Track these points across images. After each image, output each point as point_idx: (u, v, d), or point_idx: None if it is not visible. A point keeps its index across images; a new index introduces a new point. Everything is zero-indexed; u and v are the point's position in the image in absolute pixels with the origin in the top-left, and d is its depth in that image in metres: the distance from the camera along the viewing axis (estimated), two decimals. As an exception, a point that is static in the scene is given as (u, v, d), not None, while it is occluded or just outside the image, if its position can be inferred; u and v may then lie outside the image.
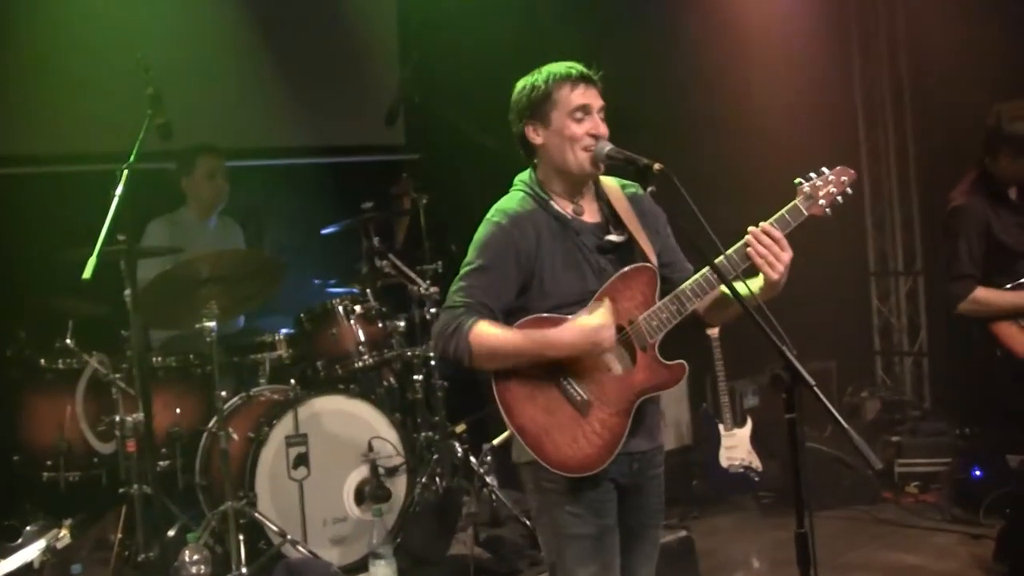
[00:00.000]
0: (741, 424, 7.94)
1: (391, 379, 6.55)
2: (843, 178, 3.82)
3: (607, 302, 3.72)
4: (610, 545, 3.85)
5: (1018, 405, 6.30)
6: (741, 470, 7.84)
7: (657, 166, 3.59)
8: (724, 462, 7.85)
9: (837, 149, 10.33)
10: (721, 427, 7.85)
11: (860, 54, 10.42)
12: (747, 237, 3.70)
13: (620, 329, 3.74)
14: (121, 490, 5.59)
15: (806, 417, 8.10)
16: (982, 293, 5.83)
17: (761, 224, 3.71)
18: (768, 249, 3.66)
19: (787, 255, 3.68)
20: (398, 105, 6.90)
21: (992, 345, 5.94)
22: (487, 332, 3.65)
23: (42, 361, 6.00)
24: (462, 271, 3.80)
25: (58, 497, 5.93)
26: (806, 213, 3.77)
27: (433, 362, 6.37)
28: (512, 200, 3.87)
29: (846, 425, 3.36)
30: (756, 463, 7.88)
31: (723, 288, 3.75)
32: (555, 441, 3.70)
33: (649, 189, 3.65)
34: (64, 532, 5.07)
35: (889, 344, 10.66)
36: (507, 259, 3.74)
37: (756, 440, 7.99)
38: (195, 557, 5.01)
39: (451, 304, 3.75)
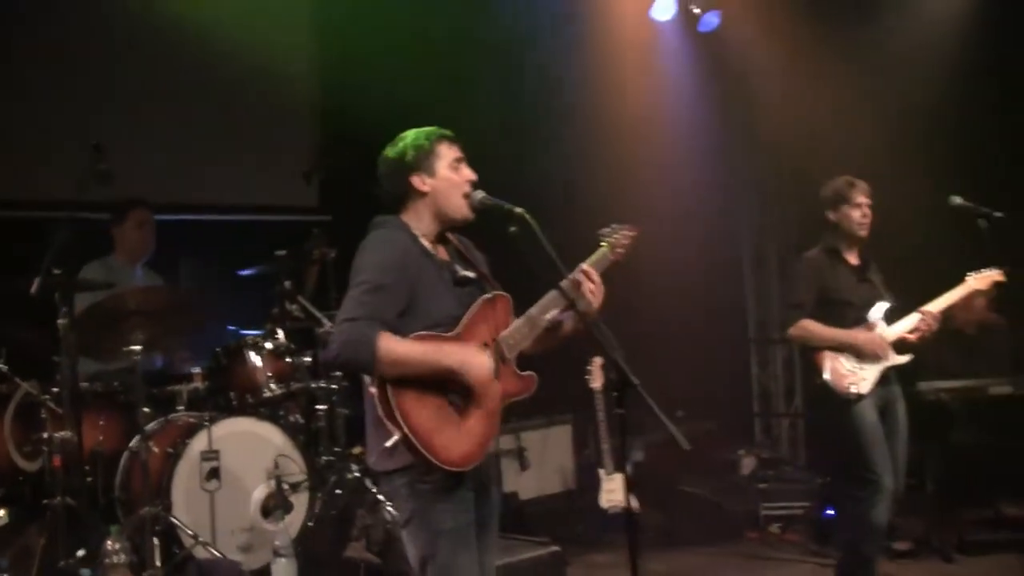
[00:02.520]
0: (621, 469, 8.34)
1: (297, 409, 7.02)
2: (632, 234, 4.75)
3: (489, 352, 4.37)
4: (473, 536, 4.40)
5: (827, 425, 7.14)
6: (619, 511, 8.27)
7: (519, 210, 4.29)
8: (604, 503, 8.31)
9: (721, 227, 11.17)
10: (602, 471, 8.32)
11: (747, 148, 11.20)
12: (577, 274, 4.46)
13: (485, 345, 4.39)
14: (45, 501, 5.93)
15: (681, 467, 8.87)
16: (809, 323, 6.59)
17: (583, 265, 4.50)
18: (594, 284, 4.47)
19: (601, 290, 4.48)
20: (315, 168, 7.60)
21: (813, 372, 6.65)
22: (393, 342, 4.15)
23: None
24: (358, 288, 4.25)
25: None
26: (611, 258, 4.65)
27: (335, 397, 6.94)
28: (394, 234, 4.43)
29: (661, 415, 4.09)
30: (634, 505, 8.45)
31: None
32: (442, 440, 4.19)
33: (512, 229, 4.28)
34: (3, 512, 5.61)
35: (767, 406, 11.38)
36: (399, 281, 4.28)
37: (635, 487, 8.38)
38: (116, 547, 5.39)
39: (352, 317, 4.17)
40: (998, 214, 6.18)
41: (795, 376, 11.13)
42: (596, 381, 8.27)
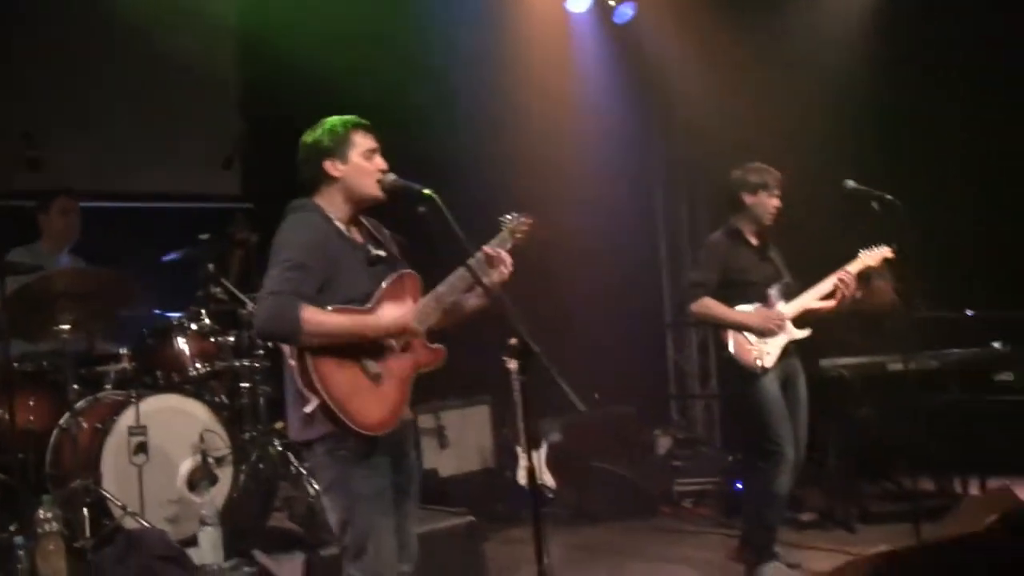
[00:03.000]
0: (536, 447, 8.68)
1: (221, 388, 7.19)
2: (529, 221, 5.09)
3: (410, 303, 4.72)
4: (389, 500, 4.70)
5: (733, 399, 7.45)
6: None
7: (427, 191, 4.59)
8: (521, 481, 8.54)
9: (637, 215, 11.46)
10: (519, 449, 8.55)
11: (661, 137, 11.57)
12: (484, 251, 4.79)
13: None
14: None
15: (598, 447, 9.12)
16: (709, 301, 6.88)
17: (486, 247, 4.83)
18: (500, 261, 4.79)
19: (508, 267, 4.82)
20: (234, 153, 7.78)
21: (721, 347, 6.99)
22: (316, 313, 4.44)
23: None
24: (281, 265, 4.53)
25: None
26: (510, 242, 4.97)
27: (258, 376, 7.08)
28: (310, 216, 4.73)
29: (561, 381, 4.35)
30: (549, 481, 8.58)
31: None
32: (357, 406, 4.50)
33: (421, 209, 4.56)
34: None
35: (683, 388, 11.70)
36: (318, 260, 4.58)
37: (552, 465, 8.75)
38: (48, 515, 5.53)
39: (278, 291, 4.45)
40: (889, 197, 6.45)
41: (710, 359, 11.44)
42: (512, 362, 8.46)
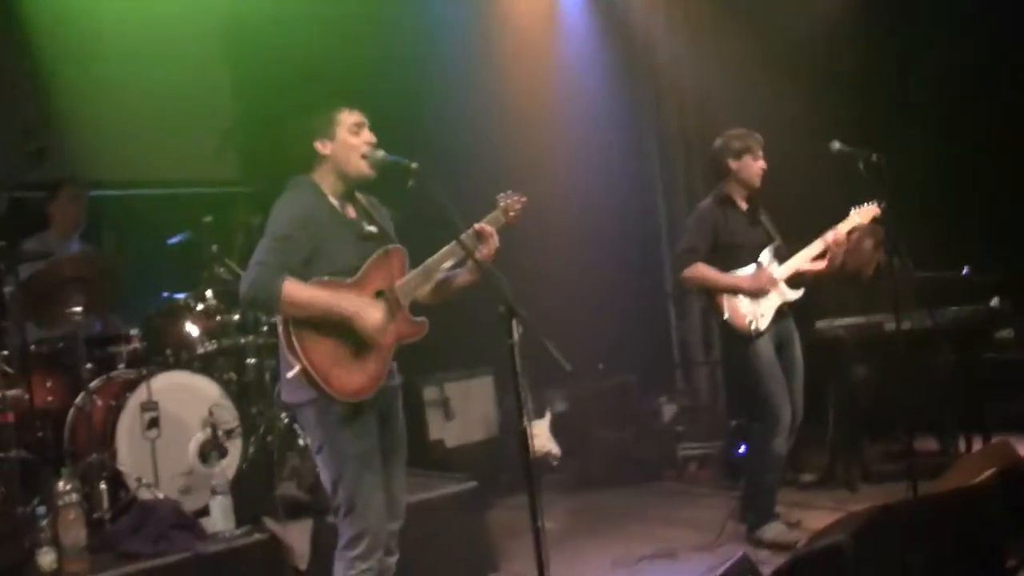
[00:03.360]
0: (540, 416, 8.89)
1: (228, 364, 7.41)
2: (522, 199, 5.29)
3: (383, 303, 4.91)
4: (377, 460, 4.97)
5: (730, 363, 7.58)
6: (541, 455, 8.73)
7: (415, 165, 4.78)
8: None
9: (635, 187, 11.58)
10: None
11: (654, 108, 11.67)
12: (475, 227, 5.01)
13: (380, 293, 4.95)
14: (1, 455, 6.20)
15: (603, 417, 9.27)
16: (701, 267, 7.03)
17: (478, 224, 5.05)
18: (486, 236, 5.01)
19: (495, 242, 5.02)
20: (227, 139, 7.97)
21: (715, 313, 7.14)
22: (295, 285, 4.69)
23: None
24: (268, 237, 4.81)
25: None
26: (503, 220, 5.18)
27: (263, 352, 7.32)
28: (302, 192, 4.98)
29: (547, 343, 4.44)
30: (555, 449, 8.81)
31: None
32: (337, 373, 4.76)
33: (410, 183, 4.76)
34: None
35: (686, 356, 11.81)
36: (305, 233, 4.83)
37: (556, 432, 8.96)
38: (68, 487, 5.70)
39: (264, 262, 4.71)
40: (874, 157, 6.55)
41: (712, 327, 11.43)
42: (514, 333, 8.61)
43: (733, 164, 7.14)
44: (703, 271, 7.03)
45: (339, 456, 4.89)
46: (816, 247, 7.10)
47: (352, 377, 4.82)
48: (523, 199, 5.28)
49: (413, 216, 5.18)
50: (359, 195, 5.16)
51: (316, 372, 4.72)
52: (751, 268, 7.07)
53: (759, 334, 6.96)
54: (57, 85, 8.28)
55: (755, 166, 7.13)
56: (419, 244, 5.19)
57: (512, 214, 5.23)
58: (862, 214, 7.14)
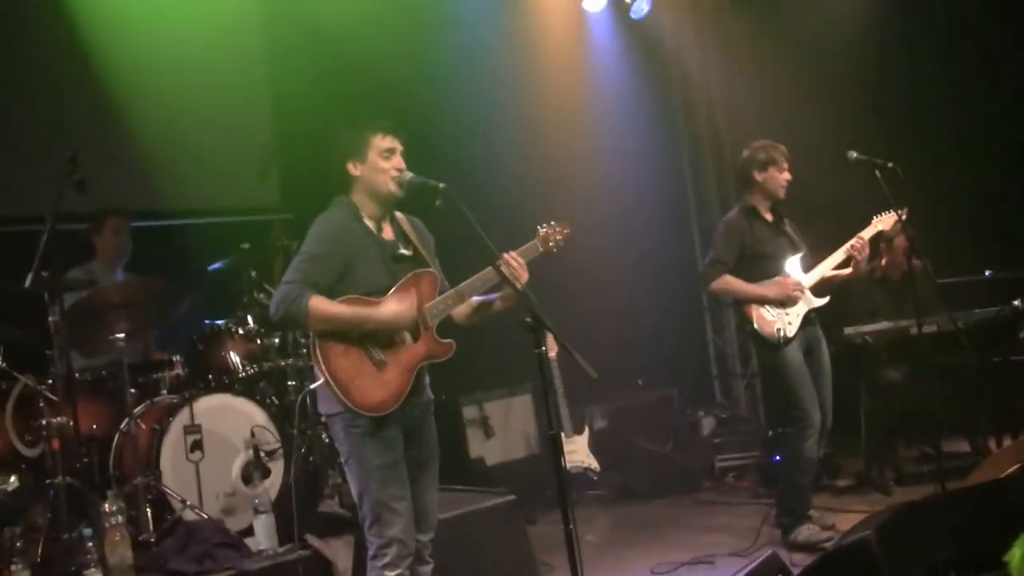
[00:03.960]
0: (580, 432, 8.98)
1: (270, 387, 7.51)
2: (566, 230, 5.35)
3: (413, 296, 5.08)
4: (403, 472, 5.14)
5: (764, 372, 7.67)
6: (580, 470, 8.85)
7: (442, 185, 4.91)
8: (566, 465, 8.77)
9: (669, 199, 11.68)
10: (563, 435, 8.79)
11: (685, 121, 11.76)
12: (504, 257, 5.05)
13: None
14: (48, 481, 6.36)
15: (643, 431, 9.37)
16: (729, 278, 7.19)
17: (510, 252, 5.11)
18: (514, 269, 5.06)
19: (525, 276, 5.08)
20: (268, 165, 8.14)
21: (745, 323, 7.30)
22: (322, 302, 4.90)
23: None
24: (300, 256, 5.04)
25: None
26: (541, 249, 5.27)
27: (303, 373, 7.37)
28: (336, 212, 5.18)
29: (574, 352, 4.59)
30: (594, 464, 8.88)
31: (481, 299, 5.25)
32: (359, 388, 4.97)
33: (437, 202, 4.88)
34: (13, 478, 6.15)
35: (724, 369, 11.93)
36: (335, 252, 5.04)
37: (597, 449, 9.02)
38: (113, 508, 5.83)
39: (292, 280, 4.94)
40: (890, 164, 6.59)
41: (748, 340, 11.58)
42: (551, 351, 8.65)
43: (759, 176, 7.28)
44: (731, 282, 7.17)
45: (364, 467, 5.08)
46: (840, 255, 7.20)
47: (374, 392, 5.00)
48: (566, 231, 5.36)
49: (445, 234, 5.37)
50: (403, 217, 5.34)
51: (337, 385, 4.93)
52: (777, 278, 7.16)
53: (787, 341, 7.09)
54: (102, 116, 8.48)
55: (780, 177, 7.26)
56: (451, 260, 5.39)
57: (551, 244, 5.32)
58: (884, 221, 7.24)
